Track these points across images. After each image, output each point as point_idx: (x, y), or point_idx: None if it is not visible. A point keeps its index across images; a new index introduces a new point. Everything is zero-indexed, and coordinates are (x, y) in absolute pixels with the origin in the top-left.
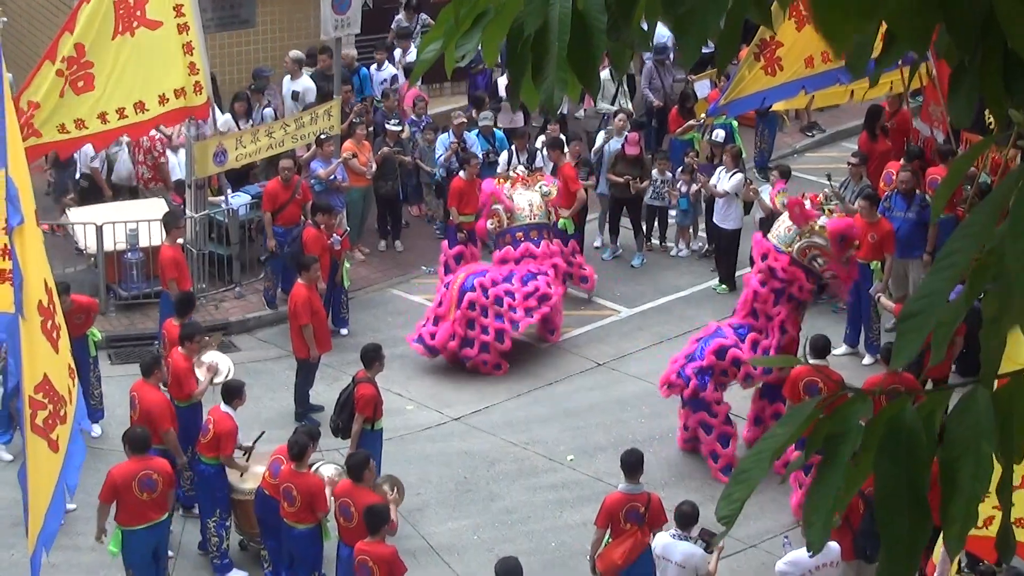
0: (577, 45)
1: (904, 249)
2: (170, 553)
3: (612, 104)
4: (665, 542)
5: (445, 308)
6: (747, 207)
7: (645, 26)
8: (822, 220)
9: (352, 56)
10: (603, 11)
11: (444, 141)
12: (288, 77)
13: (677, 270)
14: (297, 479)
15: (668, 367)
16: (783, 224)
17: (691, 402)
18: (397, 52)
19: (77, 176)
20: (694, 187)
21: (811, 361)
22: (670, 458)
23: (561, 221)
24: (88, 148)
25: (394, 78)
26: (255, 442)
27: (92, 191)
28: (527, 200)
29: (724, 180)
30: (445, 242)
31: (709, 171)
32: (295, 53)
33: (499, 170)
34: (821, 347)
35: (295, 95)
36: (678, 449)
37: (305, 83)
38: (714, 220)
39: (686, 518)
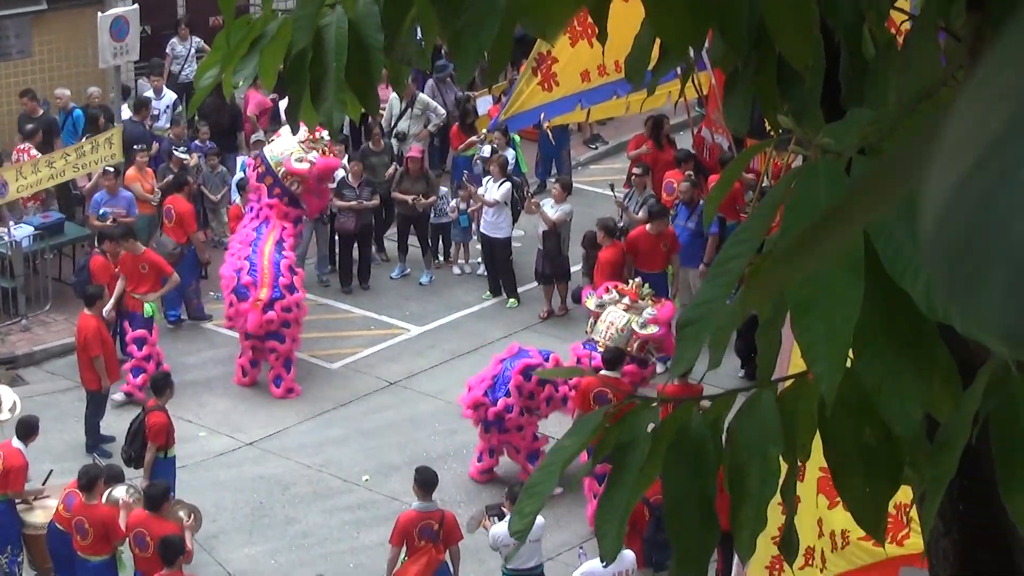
0: (354, 64)
1: (685, 258)
2: None
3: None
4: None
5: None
6: (515, 216)
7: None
8: (647, 312)
9: (66, 96)
10: (379, 30)
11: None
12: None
13: (465, 286)
14: (88, 511)
15: (471, 389)
16: (609, 329)
17: (496, 423)
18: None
19: None
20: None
21: (602, 372)
22: (465, 475)
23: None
24: None
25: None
26: (45, 482)
27: None
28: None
29: (492, 190)
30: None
31: (479, 183)
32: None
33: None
34: (613, 359)
35: None
36: (472, 467)
37: None
38: (483, 230)
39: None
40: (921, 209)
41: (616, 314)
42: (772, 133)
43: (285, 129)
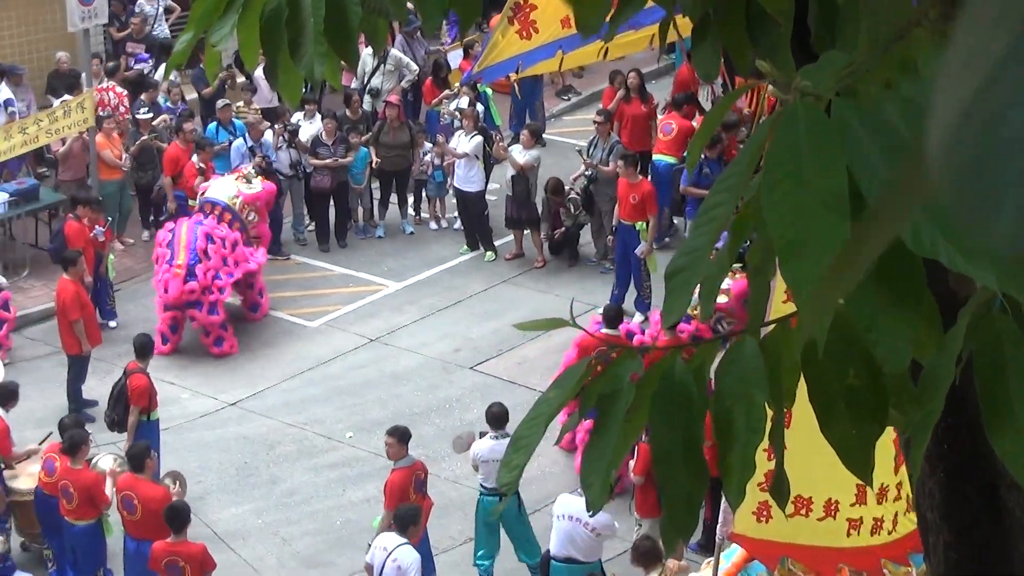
0: (332, 19)
1: None
2: None
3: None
4: (489, 446)
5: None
6: (488, 170)
7: None
8: (726, 283)
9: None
10: None
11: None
12: None
13: (442, 241)
14: (73, 475)
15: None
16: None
17: None
18: None
19: None
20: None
21: (603, 330)
22: (448, 429)
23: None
24: None
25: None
26: (43, 443)
27: None
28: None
29: (464, 142)
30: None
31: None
32: None
33: (232, 158)
34: (613, 316)
35: None
36: (455, 420)
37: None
38: (456, 184)
39: (497, 418)
40: (928, 133)
41: None
42: (741, 79)
43: (220, 178)
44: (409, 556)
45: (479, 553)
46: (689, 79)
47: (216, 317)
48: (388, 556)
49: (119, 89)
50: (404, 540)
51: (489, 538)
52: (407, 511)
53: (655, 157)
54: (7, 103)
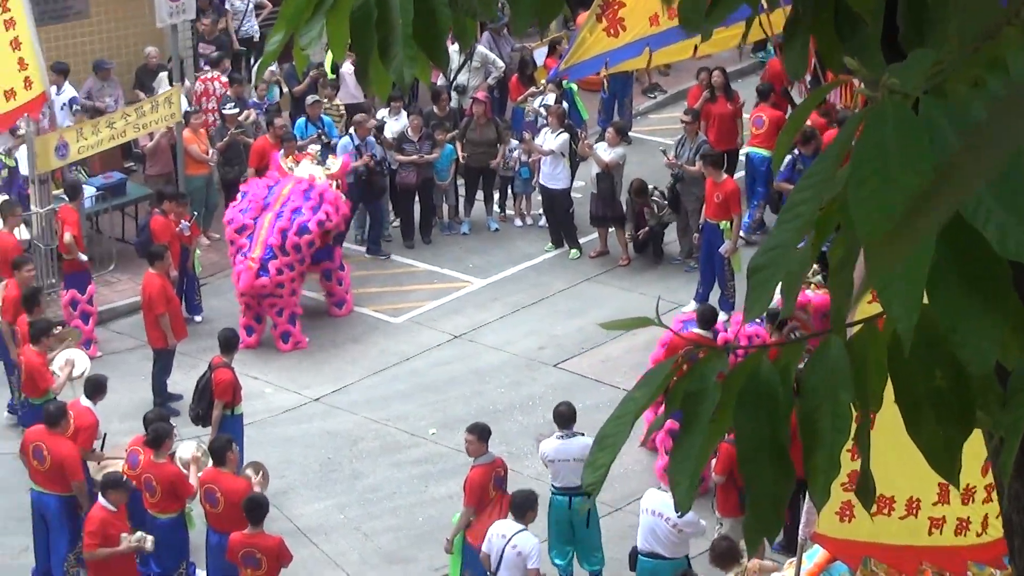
0: (421, 20)
1: None
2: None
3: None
4: (555, 445)
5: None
6: (574, 167)
7: None
8: (806, 294)
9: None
10: None
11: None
12: (54, 88)
13: (527, 238)
14: (156, 469)
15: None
16: None
17: None
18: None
19: None
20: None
21: (695, 330)
22: (532, 426)
23: None
24: None
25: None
26: (102, 447)
27: None
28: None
29: (549, 139)
30: None
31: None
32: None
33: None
34: (708, 317)
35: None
36: (539, 418)
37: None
38: (541, 181)
39: (564, 418)
40: None
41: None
42: (831, 76)
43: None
44: (529, 542)
45: (552, 553)
46: (781, 73)
47: (282, 312)
48: (507, 543)
49: (224, 79)
50: (522, 526)
51: (560, 539)
52: (525, 496)
53: (750, 150)
54: (72, 101)
